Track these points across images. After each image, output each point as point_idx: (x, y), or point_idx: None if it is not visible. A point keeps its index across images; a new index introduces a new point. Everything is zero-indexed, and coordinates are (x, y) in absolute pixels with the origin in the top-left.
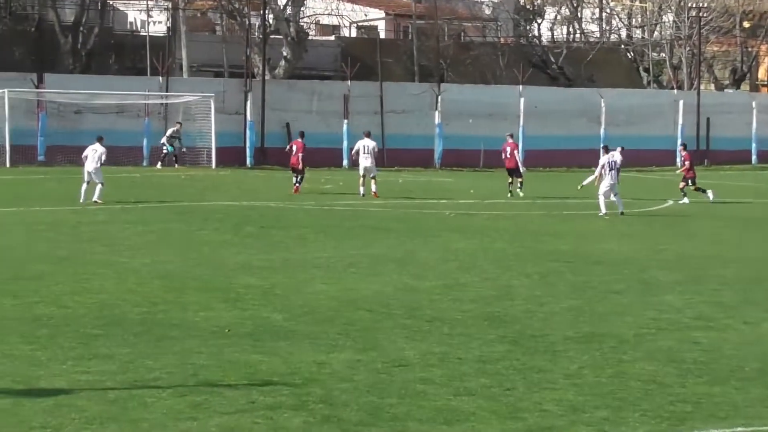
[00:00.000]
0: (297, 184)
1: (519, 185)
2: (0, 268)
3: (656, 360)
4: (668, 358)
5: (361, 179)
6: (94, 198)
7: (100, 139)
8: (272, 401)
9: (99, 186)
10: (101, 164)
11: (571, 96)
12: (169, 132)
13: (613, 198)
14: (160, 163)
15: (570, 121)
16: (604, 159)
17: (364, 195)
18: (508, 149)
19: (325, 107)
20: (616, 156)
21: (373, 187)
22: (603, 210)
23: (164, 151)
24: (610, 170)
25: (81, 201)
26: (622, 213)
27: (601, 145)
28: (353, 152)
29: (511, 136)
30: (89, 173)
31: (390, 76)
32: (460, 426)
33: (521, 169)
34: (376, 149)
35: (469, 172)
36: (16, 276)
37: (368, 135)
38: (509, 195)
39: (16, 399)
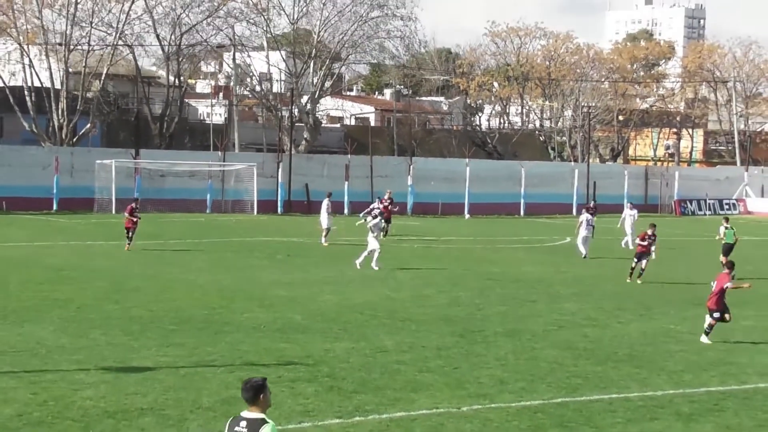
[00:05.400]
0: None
1: None
2: (107, 284)
3: (558, 348)
4: (566, 346)
5: (325, 231)
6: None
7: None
8: (293, 376)
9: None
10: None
11: (502, 166)
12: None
13: (583, 245)
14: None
15: (500, 183)
16: (582, 217)
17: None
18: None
19: (332, 173)
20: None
21: (326, 241)
22: (584, 252)
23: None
24: (587, 225)
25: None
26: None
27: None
28: (323, 209)
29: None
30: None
31: (378, 152)
32: (423, 393)
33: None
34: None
35: (431, 218)
36: (118, 289)
37: (329, 196)
38: None
39: (116, 374)
